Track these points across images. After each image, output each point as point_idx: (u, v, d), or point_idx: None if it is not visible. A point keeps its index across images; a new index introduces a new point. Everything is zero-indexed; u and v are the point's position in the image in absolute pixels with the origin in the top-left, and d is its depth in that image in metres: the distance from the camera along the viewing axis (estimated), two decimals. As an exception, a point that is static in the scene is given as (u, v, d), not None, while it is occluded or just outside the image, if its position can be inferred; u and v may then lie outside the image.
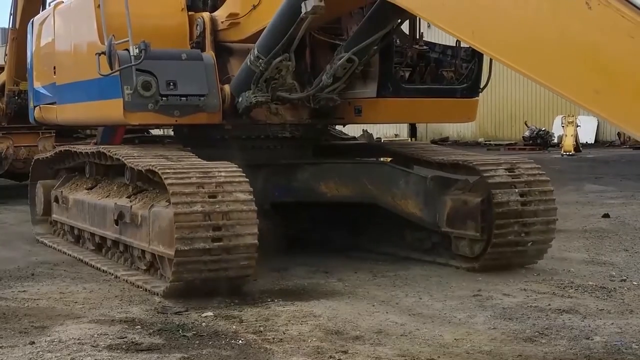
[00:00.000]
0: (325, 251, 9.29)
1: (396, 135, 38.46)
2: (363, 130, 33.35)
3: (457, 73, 8.85)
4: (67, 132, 15.34)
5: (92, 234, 9.26)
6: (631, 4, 4.32)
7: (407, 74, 8.79)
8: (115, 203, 8.37)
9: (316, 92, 8.55)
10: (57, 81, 10.13)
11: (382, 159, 9.99)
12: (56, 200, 10.34)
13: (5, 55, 16.07)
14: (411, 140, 28.99)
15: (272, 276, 8.11)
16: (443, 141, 40.98)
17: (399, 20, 7.85)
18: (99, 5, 8.55)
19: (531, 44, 5.00)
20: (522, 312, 6.68)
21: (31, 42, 11.51)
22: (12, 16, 15.28)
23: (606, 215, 12.32)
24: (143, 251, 7.90)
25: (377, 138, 32.94)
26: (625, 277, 7.99)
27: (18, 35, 14.83)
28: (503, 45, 5.25)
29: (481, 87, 8.95)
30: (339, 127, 19.25)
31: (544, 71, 4.93)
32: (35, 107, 11.21)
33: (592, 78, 4.60)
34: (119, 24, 8.05)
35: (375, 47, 8.20)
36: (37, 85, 11.06)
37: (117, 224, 8.33)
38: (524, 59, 5.07)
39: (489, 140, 38.15)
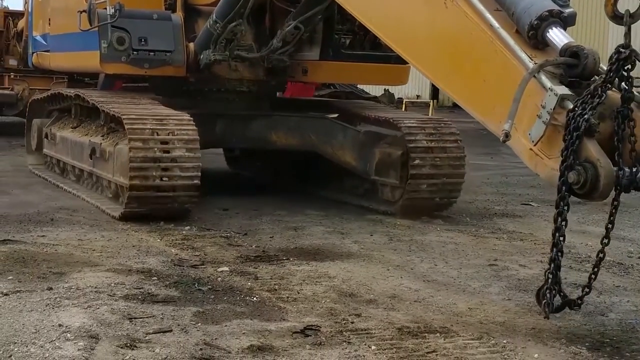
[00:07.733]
0: (342, 212, 9.51)
1: (418, 96, 39.28)
2: (385, 89, 34.05)
3: (393, 42, 10.07)
4: (80, 78, 16.59)
5: (73, 167, 10.57)
6: (474, 6, 5.36)
7: (347, 41, 10.07)
8: (89, 140, 9.68)
9: (269, 53, 9.81)
10: (51, 32, 11.41)
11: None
12: (46, 136, 11.57)
13: (26, 2, 17.26)
14: (433, 102, 30.17)
15: (289, 235, 8.21)
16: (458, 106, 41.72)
17: None
18: (86, -33, 9.88)
19: (410, 33, 6.12)
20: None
21: (33, -7, 12.82)
22: None
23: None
24: (109, 181, 9.24)
25: (398, 98, 33.70)
26: (643, 254, 7.74)
27: None
28: (391, 31, 6.37)
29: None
30: (360, 86, 20.01)
31: (415, 54, 6.07)
32: (33, 53, 12.54)
33: (446, 63, 5.68)
34: None
35: (319, 17, 9.43)
36: (36, 34, 12.34)
37: (91, 158, 9.63)
38: (407, 47, 6.19)
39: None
